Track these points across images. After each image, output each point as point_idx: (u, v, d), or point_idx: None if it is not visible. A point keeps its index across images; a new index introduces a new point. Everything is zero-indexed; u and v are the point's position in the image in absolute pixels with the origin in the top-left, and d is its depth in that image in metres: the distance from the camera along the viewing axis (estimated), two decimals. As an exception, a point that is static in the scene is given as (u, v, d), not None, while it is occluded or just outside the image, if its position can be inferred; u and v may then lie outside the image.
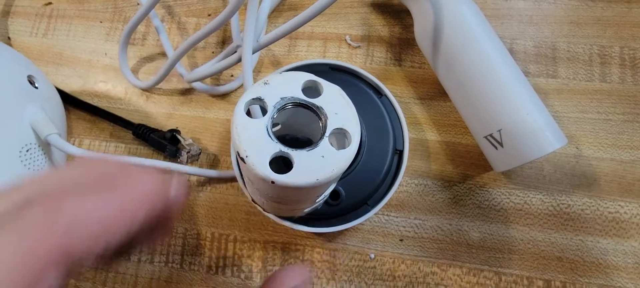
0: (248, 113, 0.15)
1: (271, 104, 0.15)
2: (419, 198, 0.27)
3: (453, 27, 0.25)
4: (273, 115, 0.15)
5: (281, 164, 0.15)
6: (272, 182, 0.14)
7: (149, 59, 0.32)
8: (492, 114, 0.24)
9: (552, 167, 0.27)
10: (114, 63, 0.32)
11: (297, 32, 0.31)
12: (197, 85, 0.30)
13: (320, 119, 0.15)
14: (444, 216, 0.27)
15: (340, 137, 0.15)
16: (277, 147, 0.14)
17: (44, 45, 0.34)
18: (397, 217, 0.27)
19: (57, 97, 0.27)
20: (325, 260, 0.27)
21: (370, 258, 0.27)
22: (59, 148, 0.23)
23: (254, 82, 0.24)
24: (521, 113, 0.23)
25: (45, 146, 0.23)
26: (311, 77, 0.16)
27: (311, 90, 0.16)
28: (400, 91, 0.29)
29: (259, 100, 0.15)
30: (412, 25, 0.30)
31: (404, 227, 0.27)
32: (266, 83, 0.15)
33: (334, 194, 0.23)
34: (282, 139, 0.16)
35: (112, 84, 0.32)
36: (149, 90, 0.31)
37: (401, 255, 0.27)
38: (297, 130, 0.20)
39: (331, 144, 0.15)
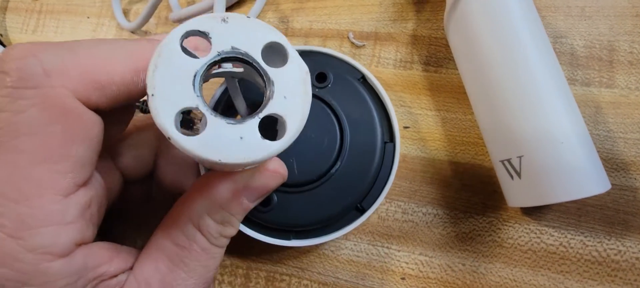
0: (186, 49, 0.12)
1: (217, 48, 0.12)
2: (426, 230, 0.23)
3: (495, 16, 0.20)
4: (209, 63, 0.12)
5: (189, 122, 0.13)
6: (168, 138, 0.11)
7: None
8: (514, 133, 0.19)
9: (600, 202, 0.21)
10: (100, 62, 0.30)
11: (292, 28, 0.27)
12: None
13: (264, 93, 0.13)
14: (456, 254, 0.22)
15: (277, 126, 0.13)
16: (194, 102, 0.12)
17: (33, 41, 0.32)
18: (399, 251, 0.23)
19: None
20: (314, 294, 0.23)
21: (366, 297, 0.23)
22: None
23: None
24: (554, 138, 0.18)
25: None
26: (281, 38, 0.12)
27: (274, 54, 0.13)
28: (410, 100, 0.24)
29: (204, 36, 0.12)
30: (427, 19, 0.25)
31: (407, 263, 0.23)
32: (224, 20, 0.12)
33: (265, 199, 0.19)
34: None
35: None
36: (134, 32, 0.29)
37: (402, 296, 0.22)
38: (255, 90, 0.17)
39: (260, 128, 0.12)
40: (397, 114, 0.24)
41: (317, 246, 0.23)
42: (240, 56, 0.12)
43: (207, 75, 0.13)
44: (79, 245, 0.14)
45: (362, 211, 0.21)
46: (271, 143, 0.12)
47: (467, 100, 0.24)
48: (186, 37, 0.12)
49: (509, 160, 0.20)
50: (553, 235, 0.22)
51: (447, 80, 0.24)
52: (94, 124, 0.14)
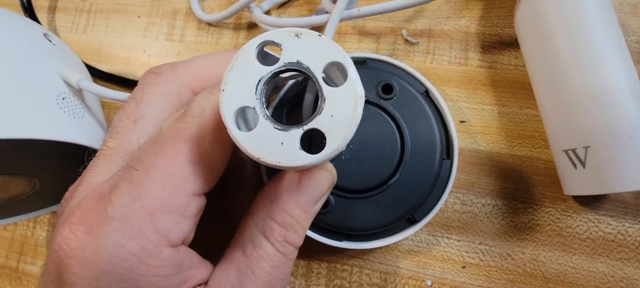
0: (267, 54, 0.14)
1: (284, 59, 0.13)
2: (485, 221, 0.23)
3: (569, 7, 0.20)
4: (273, 72, 0.13)
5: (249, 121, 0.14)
6: (226, 128, 0.13)
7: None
8: (582, 124, 0.20)
9: (656, 191, 0.22)
10: (152, 60, 0.31)
11: (346, 26, 0.27)
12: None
13: (314, 108, 0.14)
14: (516, 243, 0.23)
15: (317, 139, 0.14)
16: (252, 102, 0.13)
17: (83, 41, 0.32)
18: (459, 241, 0.24)
19: (73, 54, 0.28)
20: (376, 283, 0.24)
21: (427, 285, 0.24)
22: (90, 90, 0.23)
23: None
24: (623, 131, 0.19)
25: (79, 94, 0.24)
26: (345, 59, 0.13)
27: (335, 71, 0.14)
28: (466, 95, 0.25)
29: (277, 47, 0.14)
30: (481, 17, 0.26)
31: (467, 252, 0.23)
32: (297, 36, 0.13)
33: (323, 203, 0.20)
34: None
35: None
36: (211, 23, 0.30)
37: (463, 284, 0.23)
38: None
39: (302, 140, 0.13)
40: (453, 109, 0.25)
41: (343, 248, 0.23)
42: (302, 70, 0.13)
43: (276, 80, 0.14)
44: (183, 243, 0.15)
45: (414, 222, 0.22)
46: (306, 155, 0.13)
47: (523, 95, 0.24)
48: (262, 47, 0.14)
49: (573, 150, 0.20)
50: (611, 224, 0.22)
51: (502, 75, 0.25)
52: (226, 146, 0.16)
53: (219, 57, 0.19)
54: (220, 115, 0.16)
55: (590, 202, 0.23)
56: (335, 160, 0.21)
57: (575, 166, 0.20)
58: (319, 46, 0.13)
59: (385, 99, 0.22)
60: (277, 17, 0.27)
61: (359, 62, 0.24)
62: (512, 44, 0.25)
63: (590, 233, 0.22)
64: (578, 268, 0.22)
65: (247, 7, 0.27)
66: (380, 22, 0.27)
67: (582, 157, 0.20)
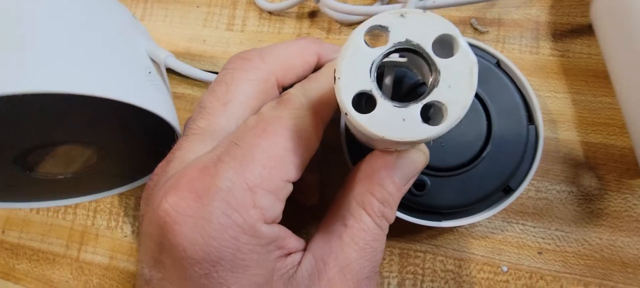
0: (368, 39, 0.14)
1: (393, 40, 0.14)
2: (561, 207, 0.24)
3: None
4: (385, 53, 0.14)
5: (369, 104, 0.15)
6: (345, 114, 0.14)
7: None
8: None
9: None
10: (213, 49, 0.31)
11: (412, 15, 0.27)
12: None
13: (429, 81, 0.14)
14: (592, 229, 0.23)
15: (437, 111, 0.14)
16: (369, 86, 0.14)
17: (141, 31, 0.32)
18: (534, 227, 0.24)
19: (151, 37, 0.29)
20: (450, 269, 0.24)
21: (503, 271, 0.24)
22: (177, 69, 0.24)
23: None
24: None
25: (160, 73, 0.25)
26: (454, 30, 0.13)
27: (444, 45, 0.14)
28: (538, 84, 0.25)
29: (384, 30, 0.14)
30: (551, 6, 0.26)
31: (543, 238, 0.24)
32: (403, 16, 0.14)
33: (418, 183, 0.21)
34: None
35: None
36: (273, 12, 0.30)
37: (539, 270, 0.23)
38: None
39: (422, 113, 0.13)
40: (536, 97, 0.25)
41: (444, 227, 0.24)
42: (413, 47, 0.14)
43: (380, 63, 0.15)
44: (275, 222, 0.16)
45: (509, 191, 0.22)
46: (430, 127, 0.13)
47: (596, 83, 0.24)
48: (369, 32, 0.14)
49: (657, 137, 0.20)
50: (689, 210, 0.22)
51: (574, 64, 0.25)
52: (319, 137, 0.17)
53: (299, 46, 0.20)
54: (315, 108, 0.17)
55: (668, 188, 0.23)
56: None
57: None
58: (425, 22, 0.14)
59: None
60: (341, 3, 0.27)
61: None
62: (584, 32, 0.25)
63: (669, 218, 0.22)
64: (656, 253, 0.22)
65: (313, -4, 0.27)
66: (449, 11, 0.27)
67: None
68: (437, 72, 0.14)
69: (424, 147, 0.19)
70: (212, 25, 0.31)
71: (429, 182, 0.22)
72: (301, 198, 0.23)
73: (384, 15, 0.14)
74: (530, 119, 0.22)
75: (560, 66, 0.25)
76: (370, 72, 0.14)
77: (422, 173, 0.22)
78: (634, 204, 0.23)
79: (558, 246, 0.23)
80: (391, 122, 0.14)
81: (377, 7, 0.25)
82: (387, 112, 0.14)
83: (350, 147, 0.23)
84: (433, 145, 0.22)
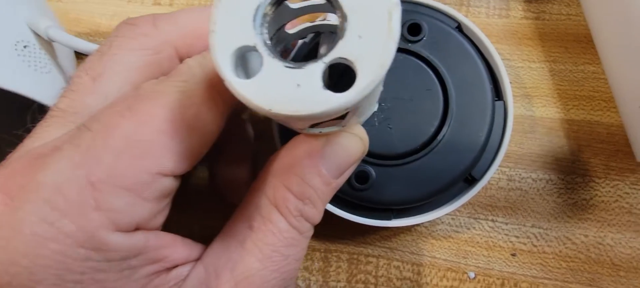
0: None
1: None
2: (538, 199, 0.19)
3: None
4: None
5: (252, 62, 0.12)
6: (223, 80, 0.10)
7: None
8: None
9: None
10: (138, 28, 0.26)
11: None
12: None
13: (333, 32, 0.12)
14: (577, 224, 0.19)
15: (349, 73, 0.11)
16: (252, 40, 0.10)
17: (60, 9, 0.28)
18: (506, 224, 0.20)
19: (49, 9, 0.25)
20: (407, 277, 0.20)
21: (470, 278, 0.20)
22: (60, 40, 0.20)
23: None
24: None
25: (48, 47, 0.21)
26: None
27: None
28: (509, 52, 0.21)
29: None
30: (523, -40, 0.22)
31: (517, 237, 0.19)
32: None
33: (360, 175, 0.17)
34: None
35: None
36: None
37: (513, 275, 0.19)
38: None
39: (330, 77, 0.10)
40: (504, 66, 0.21)
41: (394, 226, 0.20)
42: None
43: (281, 14, 0.12)
44: (141, 228, 0.12)
45: (473, 181, 0.18)
46: (333, 95, 0.10)
47: (578, 48, 0.20)
48: None
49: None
50: (693, 198, 0.18)
51: (552, 26, 0.21)
52: (217, 119, 0.13)
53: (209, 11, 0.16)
54: (213, 82, 0.13)
55: (667, 172, 0.19)
56: (368, 123, 0.17)
57: (655, 126, 0.16)
58: None
59: (413, 42, 0.18)
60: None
61: None
62: (562, -11, 0.21)
63: (668, 209, 0.18)
64: (654, 252, 0.18)
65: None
66: (404, -28, 0.23)
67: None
68: (345, 17, 0.10)
69: (360, 129, 0.15)
70: (137, 1, 0.27)
71: (373, 173, 0.18)
72: (230, 197, 0.19)
73: None
74: (498, 93, 0.18)
75: (535, 30, 0.21)
76: (255, 20, 0.11)
77: (366, 162, 0.18)
78: (626, 193, 0.19)
79: (535, 246, 0.19)
80: (282, 88, 0.10)
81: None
82: (277, 75, 0.10)
83: (282, 132, 0.19)
84: (378, 127, 0.18)
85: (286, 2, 0.11)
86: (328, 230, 0.21)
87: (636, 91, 0.17)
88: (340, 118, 0.12)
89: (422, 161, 0.18)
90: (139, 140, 0.12)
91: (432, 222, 0.20)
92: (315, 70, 0.10)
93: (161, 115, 0.12)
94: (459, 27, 0.19)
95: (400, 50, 0.18)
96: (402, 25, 0.18)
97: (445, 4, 0.22)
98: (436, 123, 0.17)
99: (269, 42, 0.11)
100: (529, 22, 0.21)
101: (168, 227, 0.14)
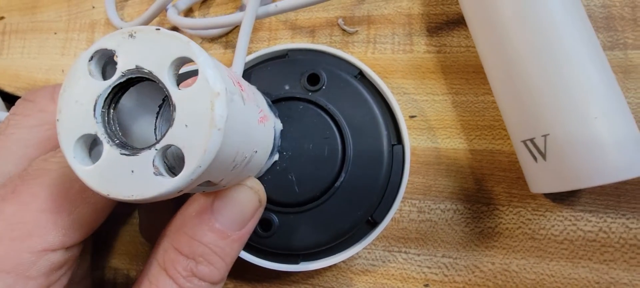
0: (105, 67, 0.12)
1: (122, 67, 0.11)
2: (447, 229, 0.20)
3: None
4: (113, 86, 0.11)
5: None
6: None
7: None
8: (538, 107, 0.16)
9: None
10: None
11: (277, 21, 0.24)
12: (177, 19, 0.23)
13: (165, 121, 0.12)
14: (483, 252, 0.19)
15: (178, 157, 0.12)
16: (93, 129, 0.11)
17: (1, 66, 0.29)
18: (418, 255, 0.20)
19: None
20: (327, 313, 0.20)
21: (386, 311, 0.20)
22: None
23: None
24: (586, 112, 0.15)
25: None
26: (190, 50, 0.11)
27: (187, 69, 0.12)
28: (414, 86, 0.21)
29: (110, 56, 0.11)
30: (425, -4, 0.22)
31: (429, 268, 0.20)
32: (132, 36, 0.11)
33: (263, 222, 0.18)
34: None
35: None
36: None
37: (427, 306, 0.19)
38: None
39: (159, 163, 0.11)
40: (401, 103, 0.21)
41: (303, 271, 0.20)
42: (145, 76, 0.11)
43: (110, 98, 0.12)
44: None
45: (374, 224, 0.18)
46: (165, 180, 0.10)
47: (478, 79, 0.21)
48: (98, 58, 0.11)
49: (532, 140, 0.17)
50: (591, 221, 0.19)
51: (453, 60, 0.21)
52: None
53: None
54: None
55: (565, 197, 0.19)
56: (270, 172, 0.18)
57: (535, 159, 0.17)
58: (158, 43, 0.11)
59: (313, 91, 0.19)
60: (192, 19, 0.24)
61: (280, 56, 0.20)
62: (460, 22, 0.21)
63: (568, 233, 0.19)
64: (557, 275, 0.18)
65: (164, 9, 0.24)
66: (314, 13, 0.23)
67: (542, 148, 0.16)
68: (173, 106, 0.11)
69: (253, 181, 0.16)
70: (70, 53, 0.27)
71: (276, 220, 0.18)
72: (153, 243, 0.19)
73: (111, 36, 0.11)
74: (398, 138, 0.19)
75: (437, 64, 0.21)
76: (95, 109, 0.11)
77: (269, 209, 0.18)
78: (528, 219, 0.19)
79: (446, 276, 0.20)
80: (119, 175, 0.11)
81: (232, 16, 0.21)
82: (114, 162, 0.11)
83: None
84: (279, 174, 0.18)
85: (122, 98, 0.12)
86: (251, 274, 0.21)
87: (517, 127, 0.17)
88: (207, 184, 0.13)
89: (324, 207, 0.18)
90: (20, 222, 0.12)
91: (351, 257, 0.21)
92: (148, 157, 0.11)
93: (44, 194, 0.12)
94: (361, 74, 0.20)
95: (300, 99, 0.19)
96: (302, 75, 0.19)
97: (353, 42, 0.23)
98: (335, 169, 0.18)
99: (113, 129, 0.11)
100: (432, 55, 0.21)
101: (97, 266, 0.14)
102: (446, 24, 0.22)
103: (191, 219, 0.14)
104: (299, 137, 0.18)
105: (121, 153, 0.11)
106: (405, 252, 0.20)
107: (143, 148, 0.11)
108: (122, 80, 0.11)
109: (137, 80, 0.11)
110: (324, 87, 0.19)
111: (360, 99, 0.19)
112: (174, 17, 0.23)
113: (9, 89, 0.28)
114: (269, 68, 0.20)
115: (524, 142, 0.17)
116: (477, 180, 0.20)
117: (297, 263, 0.19)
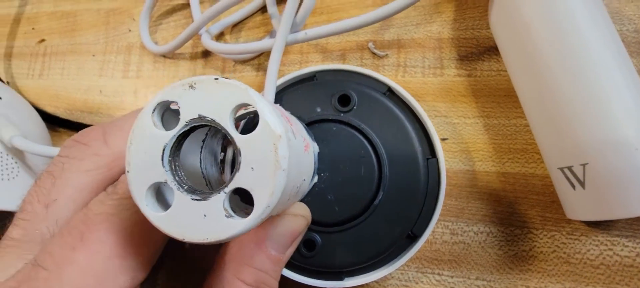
0: (173, 116, 0.12)
1: (185, 117, 0.11)
2: (481, 252, 0.20)
3: (549, 2, 0.17)
4: (177, 134, 0.11)
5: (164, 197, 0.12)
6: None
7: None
8: (577, 137, 0.16)
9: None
10: (109, 100, 0.28)
11: (308, 46, 0.24)
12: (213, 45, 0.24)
13: (232, 166, 0.12)
14: (518, 275, 0.19)
15: (246, 198, 0.11)
16: (163, 177, 0.11)
17: (41, 87, 0.30)
18: (452, 277, 0.20)
19: (27, 107, 0.26)
20: (361, 333, 0.20)
21: (419, 332, 0.20)
22: (24, 149, 0.21)
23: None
24: (626, 142, 0.15)
25: (16, 152, 0.22)
26: (252, 98, 0.11)
27: (248, 117, 0.13)
28: (445, 108, 0.21)
29: (172, 106, 0.12)
30: (453, 20, 0.22)
31: (462, 290, 0.20)
32: (192, 87, 0.11)
33: (307, 243, 0.18)
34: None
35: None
36: (165, 55, 0.27)
37: (461, 328, 0.19)
38: None
39: (228, 205, 0.11)
40: (433, 126, 0.21)
41: (348, 287, 0.20)
42: (208, 124, 0.11)
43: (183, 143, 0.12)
44: None
45: (415, 238, 0.18)
46: (236, 222, 0.11)
47: (509, 103, 0.21)
48: (161, 110, 0.12)
49: (570, 168, 0.17)
50: (627, 246, 0.18)
51: (484, 83, 0.21)
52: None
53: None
54: None
55: (600, 222, 0.19)
56: (310, 194, 0.18)
57: (573, 187, 0.17)
58: (218, 92, 0.11)
59: (345, 112, 0.19)
60: (226, 44, 0.24)
61: (307, 79, 0.21)
62: (491, 47, 0.21)
63: (604, 258, 0.18)
64: (594, 301, 0.18)
65: (197, 34, 0.25)
66: (345, 37, 0.24)
67: (580, 176, 0.16)
68: (239, 151, 0.11)
69: (303, 208, 0.16)
70: (107, 74, 0.28)
71: (319, 240, 0.18)
72: (198, 262, 0.20)
73: (171, 88, 0.12)
74: (432, 151, 0.19)
75: (468, 87, 0.21)
76: (163, 159, 0.11)
77: (311, 229, 0.18)
78: (563, 243, 0.19)
79: (480, 299, 0.19)
80: (191, 219, 0.11)
81: (259, 43, 0.22)
82: (185, 207, 0.11)
83: None
84: (317, 197, 0.18)
85: (192, 134, 0.12)
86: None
87: (554, 154, 0.17)
88: None
89: (364, 224, 0.18)
90: (93, 271, 0.12)
91: (383, 278, 0.21)
92: (218, 201, 0.11)
93: (111, 240, 0.13)
94: (390, 91, 0.20)
95: (332, 121, 0.19)
96: (333, 96, 0.19)
97: (383, 66, 0.23)
98: (373, 187, 0.18)
99: (180, 176, 0.12)
100: (462, 79, 0.22)
101: None
102: (476, 48, 0.22)
103: (250, 249, 0.14)
104: (334, 158, 0.18)
105: (192, 199, 0.11)
106: (438, 274, 0.20)
107: (212, 193, 0.11)
108: (185, 128, 0.11)
109: (199, 127, 0.12)
110: (355, 107, 0.19)
111: (392, 115, 0.19)
112: (208, 42, 0.24)
113: (49, 108, 0.29)
114: (299, 91, 0.20)
115: (562, 169, 0.17)
116: (510, 203, 0.20)
117: (341, 279, 0.19)
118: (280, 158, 0.11)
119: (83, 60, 0.29)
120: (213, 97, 0.11)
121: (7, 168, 0.20)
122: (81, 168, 0.15)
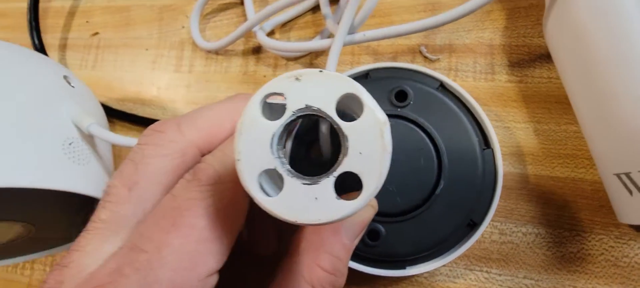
0: (273, 105, 0.13)
1: (292, 108, 0.12)
2: (529, 252, 0.20)
3: (606, 6, 0.17)
4: (285, 124, 0.12)
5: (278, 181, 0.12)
6: (253, 199, 0.12)
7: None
8: (637, 142, 0.17)
9: None
10: (162, 93, 0.29)
11: (360, 47, 0.25)
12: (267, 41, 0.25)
13: (339, 150, 0.13)
14: (566, 275, 0.20)
15: (348, 180, 0.12)
16: (273, 163, 0.12)
17: (93, 77, 0.31)
18: (500, 275, 0.21)
19: (93, 96, 0.27)
20: (409, 325, 0.21)
21: (467, 326, 0.20)
22: (101, 136, 0.22)
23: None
24: None
25: (88, 139, 0.23)
26: (355, 88, 0.12)
27: (350, 104, 0.13)
28: (497, 113, 0.22)
29: (273, 99, 0.12)
30: (505, 27, 0.23)
31: (511, 287, 0.20)
32: (298, 79, 0.12)
33: (371, 233, 0.19)
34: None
35: (162, 115, 0.28)
36: (217, 52, 0.28)
37: (508, 324, 0.20)
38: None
39: (337, 188, 0.11)
40: (487, 117, 0.22)
41: (410, 275, 0.21)
42: (314, 113, 0.12)
43: (289, 131, 0.13)
44: None
45: (474, 226, 0.19)
46: (346, 203, 0.11)
47: (560, 109, 0.21)
48: (265, 101, 0.12)
49: (627, 174, 0.17)
50: (676, 251, 0.19)
51: (534, 89, 0.22)
52: (244, 208, 0.14)
53: (227, 108, 0.17)
54: (236, 179, 0.14)
55: (649, 226, 0.19)
56: None
57: (630, 192, 0.17)
58: (323, 83, 0.12)
59: (401, 107, 0.20)
60: (281, 41, 0.25)
61: (361, 77, 0.21)
62: (542, 55, 0.22)
63: (652, 262, 0.19)
64: (641, 303, 0.19)
65: (250, 31, 0.25)
66: (396, 40, 0.25)
67: (638, 182, 0.17)
68: (345, 138, 0.12)
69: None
70: (160, 68, 0.29)
71: (383, 230, 0.19)
72: (255, 249, 0.21)
73: (278, 81, 0.12)
74: (486, 142, 0.20)
75: (519, 93, 0.22)
76: (272, 147, 0.12)
77: (375, 220, 0.19)
78: (611, 246, 0.20)
79: (527, 296, 0.20)
80: (303, 202, 0.12)
81: (314, 42, 0.23)
82: (296, 191, 0.12)
83: None
84: (380, 190, 0.19)
85: (293, 127, 0.13)
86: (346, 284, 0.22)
87: (610, 160, 0.18)
88: None
89: (426, 214, 0.19)
90: (188, 253, 0.13)
91: (430, 273, 0.22)
92: (328, 184, 0.12)
93: (200, 225, 0.13)
94: (442, 85, 0.21)
95: (390, 115, 0.20)
96: (390, 93, 0.20)
97: (434, 69, 0.24)
98: (433, 178, 0.19)
99: (286, 163, 0.13)
100: (513, 85, 0.22)
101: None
102: (528, 55, 0.22)
103: (328, 237, 0.15)
104: (394, 151, 0.19)
105: (303, 183, 0.12)
106: (486, 272, 0.21)
107: (321, 177, 0.12)
108: (292, 118, 0.12)
109: (305, 116, 0.13)
110: (411, 102, 0.20)
111: (446, 108, 0.20)
112: (263, 38, 0.25)
113: (101, 99, 0.30)
114: None
115: (618, 175, 0.17)
116: (559, 206, 0.20)
117: (404, 268, 0.20)
118: (386, 142, 0.11)
119: (136, 54, 0.30)
120: (319, 88, 0.12)
121: (82, 154, 0.21)
122: (159, 153, 0.16)
